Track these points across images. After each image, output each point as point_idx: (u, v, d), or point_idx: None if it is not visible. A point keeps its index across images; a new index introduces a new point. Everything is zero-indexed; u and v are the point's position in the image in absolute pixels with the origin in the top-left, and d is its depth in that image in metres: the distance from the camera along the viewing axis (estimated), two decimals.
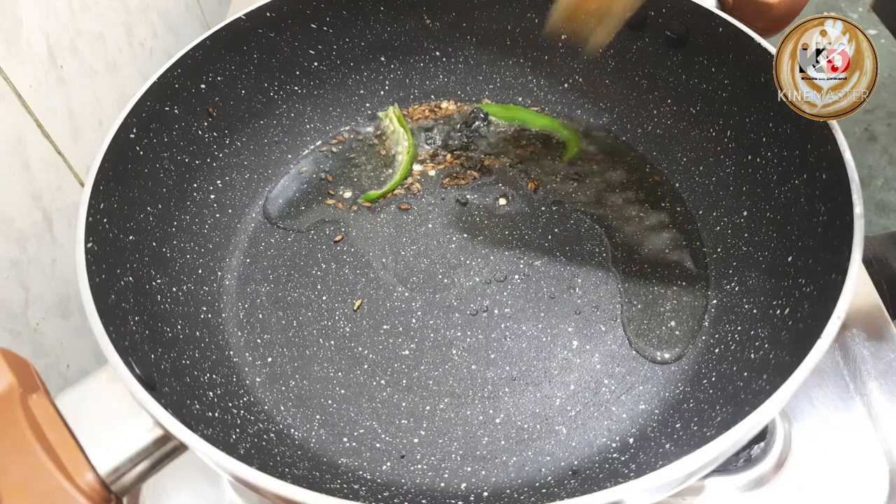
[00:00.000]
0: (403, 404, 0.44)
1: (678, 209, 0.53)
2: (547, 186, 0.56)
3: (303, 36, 0.57)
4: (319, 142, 0.61)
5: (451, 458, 0.42)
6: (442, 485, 0.41)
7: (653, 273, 0.50)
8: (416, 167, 0.59)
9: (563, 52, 0.60)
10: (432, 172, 0.58)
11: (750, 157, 0.48)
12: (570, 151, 0.58)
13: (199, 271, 0.50)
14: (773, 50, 0.43)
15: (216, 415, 0.40)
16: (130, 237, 0.43)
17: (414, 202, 0.56)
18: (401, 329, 0.48)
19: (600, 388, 0.44)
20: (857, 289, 0.33)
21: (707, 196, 0.52)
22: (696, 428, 0.39)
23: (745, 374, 0.40)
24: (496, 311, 0.49)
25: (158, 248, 0.46)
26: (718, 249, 0.50)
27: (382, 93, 0.63)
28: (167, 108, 0.49)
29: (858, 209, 0.35)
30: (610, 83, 0.59)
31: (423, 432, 0.43)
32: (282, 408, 0.45)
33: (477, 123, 0.61)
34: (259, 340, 0.48)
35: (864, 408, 0.44)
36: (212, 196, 0.53)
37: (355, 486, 0.40)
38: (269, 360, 0.47)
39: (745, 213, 0.49)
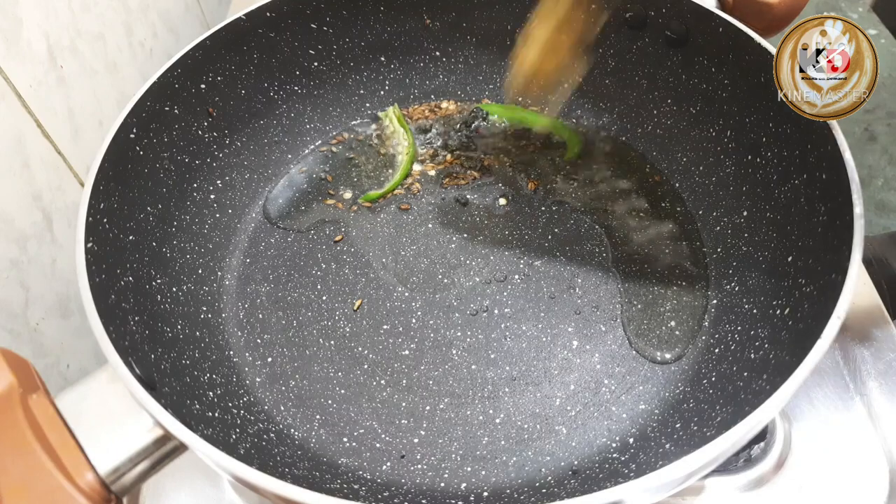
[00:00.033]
0: (403, 404, 0.44)
1: (678, 209, 0.53)
2: (547, 186, 0.56)
3: (303, 36, 0.57)
4: (319, 142, 0.61)
5: (451, 458, 0.42)
6: (442, 485, 0.41)
7: (653, 273, 0.50)
8: (416, 167, 0.59)
9: None
10: (432, 172, 0.58)
11: (750, 157, 0.48)
12: (570, 151, 0.58)
13: (199, 271, 0.50)
14: (773, 50, 0.43)
15: (216, 415, 0.40)
16: (130, 237, 0.43)
17: (414, 202, 0.56)
18: (401, 329, 0.48)
19: (600, 388, 0.44)
20: (857, 289, 0.33)
21: (707, 196, 0.52)
22: (696, 428, 0.39)
23: (745, 374, 0.40)
24: (496, 311, 0.49)
25: (158, 248, 0.46)
26: (718, 249, 0.50)
27: (382, 93, 0.63)
28: (167, 108, 0.49)
29: (858, 209, 0.35)
30: (610, 83, 0.59)
31: (423, 432, 0.43)
32: (282, 408, 0.45)
33: (477, 123, 0.61)
34: (259, 340, 0.48)
35: (864, 408, 0.44)
36: (212, 196, 0.53)
37: (355, 486, 0.40)
38: (269, 360, 0.47)
39: (745, 213, 0.49)
